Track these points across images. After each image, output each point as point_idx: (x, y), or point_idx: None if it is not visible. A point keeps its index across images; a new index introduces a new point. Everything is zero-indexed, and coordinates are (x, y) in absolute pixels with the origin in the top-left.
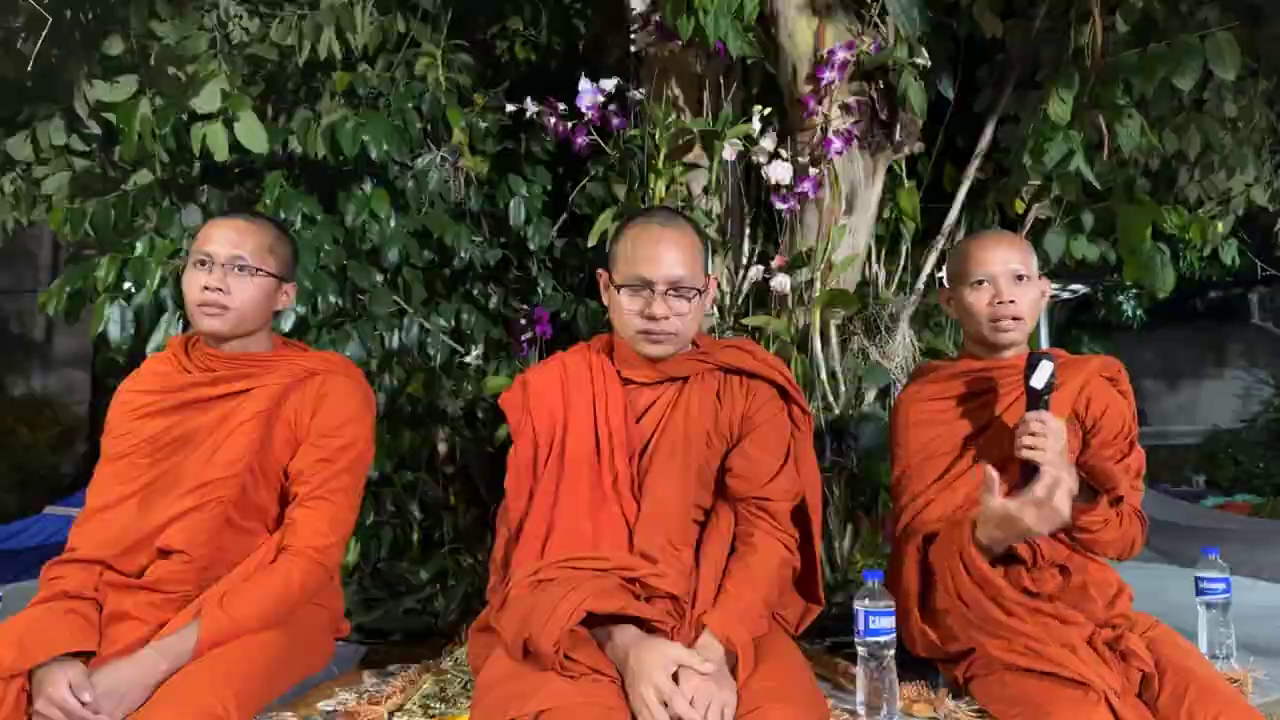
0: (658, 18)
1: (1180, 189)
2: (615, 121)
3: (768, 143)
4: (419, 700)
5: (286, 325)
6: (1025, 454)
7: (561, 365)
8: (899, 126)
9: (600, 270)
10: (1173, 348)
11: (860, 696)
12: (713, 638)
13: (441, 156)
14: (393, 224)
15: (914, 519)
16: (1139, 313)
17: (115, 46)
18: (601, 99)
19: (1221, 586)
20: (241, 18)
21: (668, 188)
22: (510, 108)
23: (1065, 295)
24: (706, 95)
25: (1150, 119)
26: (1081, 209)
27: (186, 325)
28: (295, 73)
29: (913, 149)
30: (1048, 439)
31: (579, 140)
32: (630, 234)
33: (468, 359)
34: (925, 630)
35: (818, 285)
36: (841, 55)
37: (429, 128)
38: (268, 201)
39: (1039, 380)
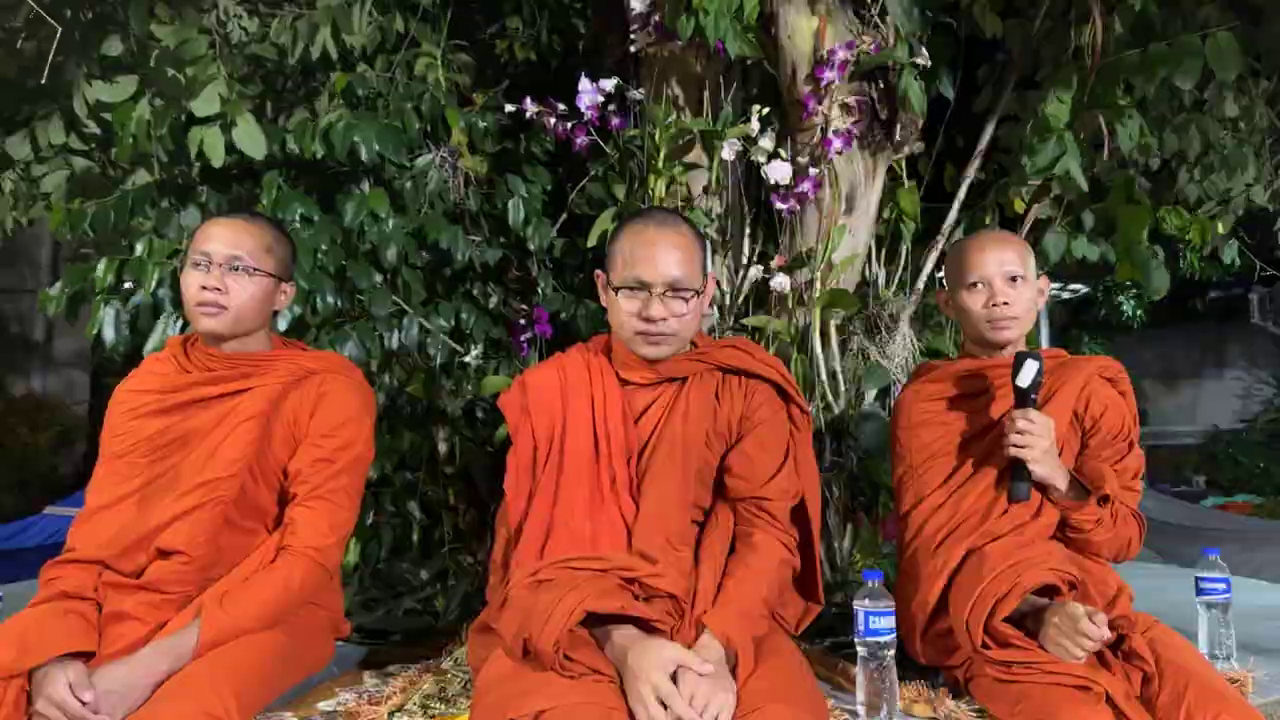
0: (658, 18)
1: (1180, 189)
2: (615, 121)
3: (767, 143)
4: (419, 700)
5: (282, 326)
6: (1012, 452)
7: (560, 366)
8: (899, 126)
9: (598, 271)
10: (1173, 348)
11: (860, 696)
12: (712, 637)
13: (441, 157)
14: (391, 224)
15: (922, 524)
16: (1139, 313)
17: (114, 47)
18: (601, 99)
19: (1222, 587)
20: (241, 17)
21: (668, 188)
22: (510, 108)
23: (1065, 295)
24: (706, 95)
25: (1150, 119)
26: (1081, 209)
27: (185, 325)
28: (295, 73)
29: (913, 149)
30: (1034, 436)
31: (579, 140)
32: (627, 235)
33: (468, 359)
34: (928, 645)
35: (818, 285)
36: (841, 55)
37: (428, 128)
38: (265, 202)
39: (1024, 379)
